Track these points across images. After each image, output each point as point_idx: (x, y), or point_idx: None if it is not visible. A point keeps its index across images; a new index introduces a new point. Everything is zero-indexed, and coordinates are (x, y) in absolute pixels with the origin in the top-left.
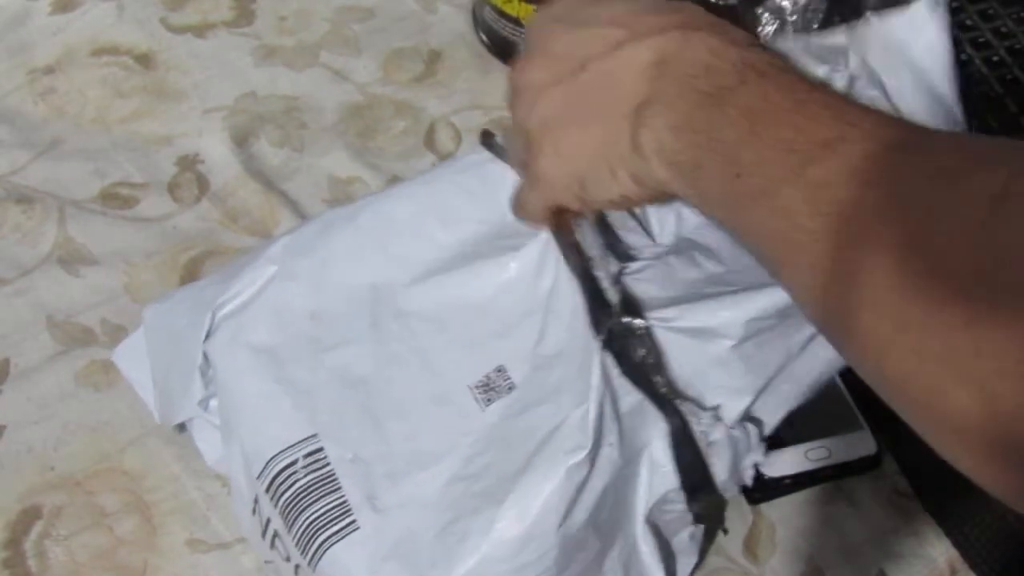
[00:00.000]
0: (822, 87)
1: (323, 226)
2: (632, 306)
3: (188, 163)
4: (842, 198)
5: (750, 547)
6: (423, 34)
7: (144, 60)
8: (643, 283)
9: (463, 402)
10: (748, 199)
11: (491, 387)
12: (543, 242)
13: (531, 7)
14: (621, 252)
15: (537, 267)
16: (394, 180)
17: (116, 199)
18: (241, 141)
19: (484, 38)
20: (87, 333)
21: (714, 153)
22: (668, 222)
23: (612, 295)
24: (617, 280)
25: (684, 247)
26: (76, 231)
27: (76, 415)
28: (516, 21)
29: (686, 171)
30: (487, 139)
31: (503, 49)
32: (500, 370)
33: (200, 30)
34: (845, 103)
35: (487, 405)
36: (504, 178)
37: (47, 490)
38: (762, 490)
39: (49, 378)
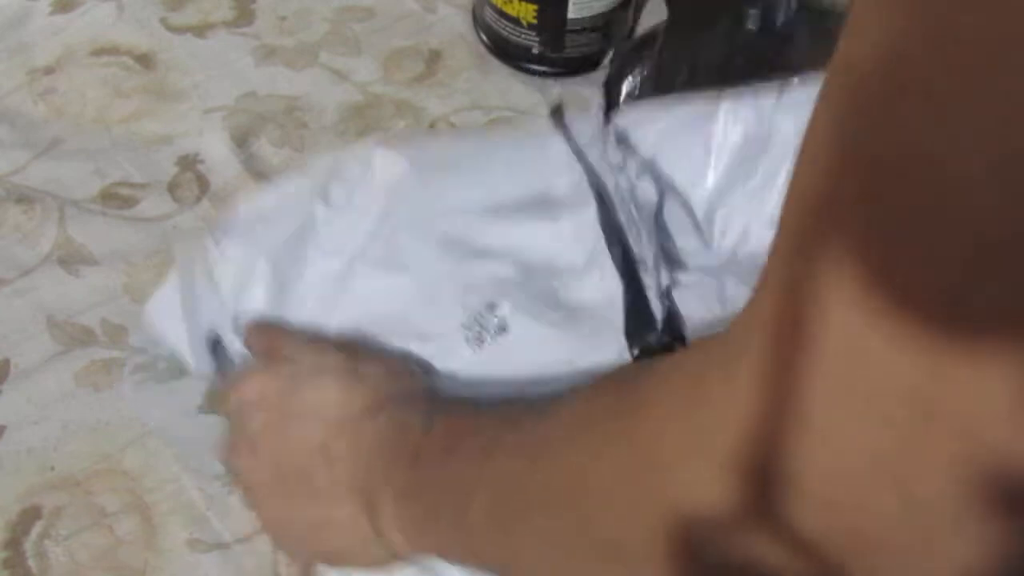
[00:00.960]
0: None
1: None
2: (675, 325)
3: (188, 163)
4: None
5: None
6: (423, 34)
7: (144, 60)
8: (690, 299)
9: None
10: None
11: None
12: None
13: (531, 7)
14: (672, 256)
15: (589, 256)
16: None
17: (116, 199)
18: (241, 141)
19: (484, 38)
20: (87, 333)
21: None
22: (731, 232)
23: (657, 309)
24: (667, 295)
25: (742, 264)
26: (76, 231)
27: (76, 415)
28: (516, 21)
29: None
30: (556, 114)
31: (503, 49)
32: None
33: (200, 30)
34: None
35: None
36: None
37: (47, 490)
38: None
39: (49, 378)
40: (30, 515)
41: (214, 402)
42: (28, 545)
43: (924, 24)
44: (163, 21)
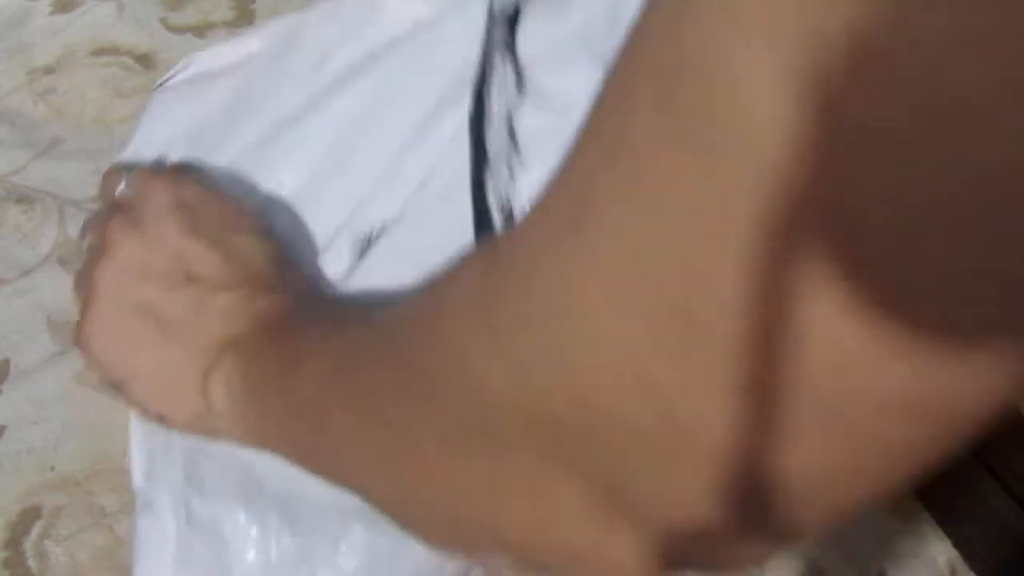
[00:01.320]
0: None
1: None
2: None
3: None
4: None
5: None
6: None
7: (144, 60)
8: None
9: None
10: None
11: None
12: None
13: None
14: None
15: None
16: None
17: None
18: None
19: None
20: None
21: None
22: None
23: (497, 220)
24: (508, 212)
25: None
26: (76, 231)
27: (76, 415)
28: None
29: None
30: None
31: None
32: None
33: (200, 30)
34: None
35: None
36: None
37: (47, 490)
38: None
39: (49, 378)
40: (30, 515)
41: None
42: (28, 545)
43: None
44: (163, 21)
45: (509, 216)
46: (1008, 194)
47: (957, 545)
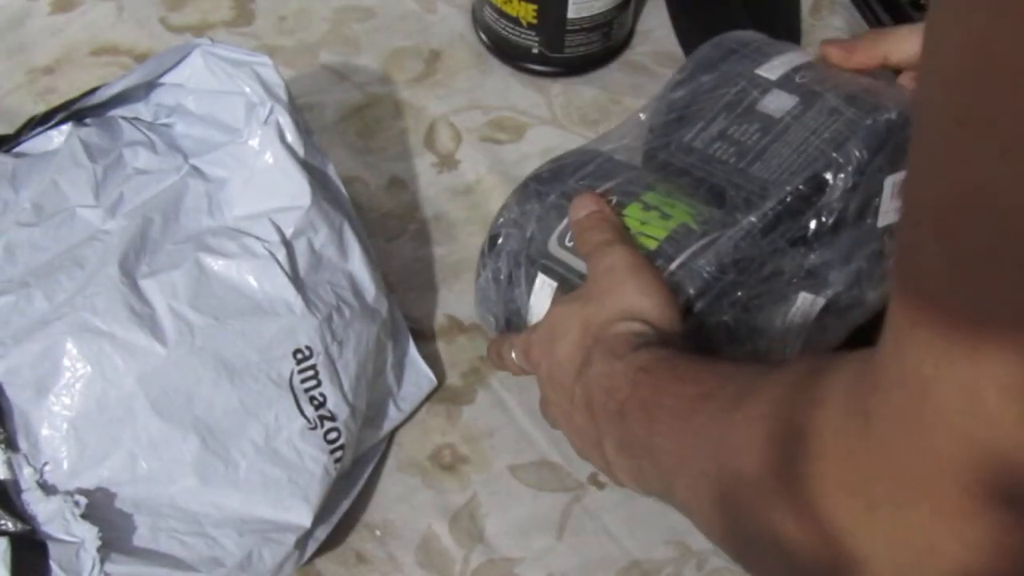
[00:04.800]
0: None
1: None
2: None
3: None
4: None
5: None
6: (423, 34)
7: (143, 60)
8: None
9: None
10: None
11: None
12: None
13: (531, 7)
14: None
15: None
16: (394, 180)
17: None
18: None
19: (484, 38)
20: None
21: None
22: None
23: None
24: None
25: None
26: None
27: None
28: (516, 21)
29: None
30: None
31: (503, 49)
32: None
33: (200, 30)
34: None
35: None
36: None
37: None
38: None
39: None
40: None
41: None
42: None
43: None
44: (162, 21)
45: None
46: None
47: None
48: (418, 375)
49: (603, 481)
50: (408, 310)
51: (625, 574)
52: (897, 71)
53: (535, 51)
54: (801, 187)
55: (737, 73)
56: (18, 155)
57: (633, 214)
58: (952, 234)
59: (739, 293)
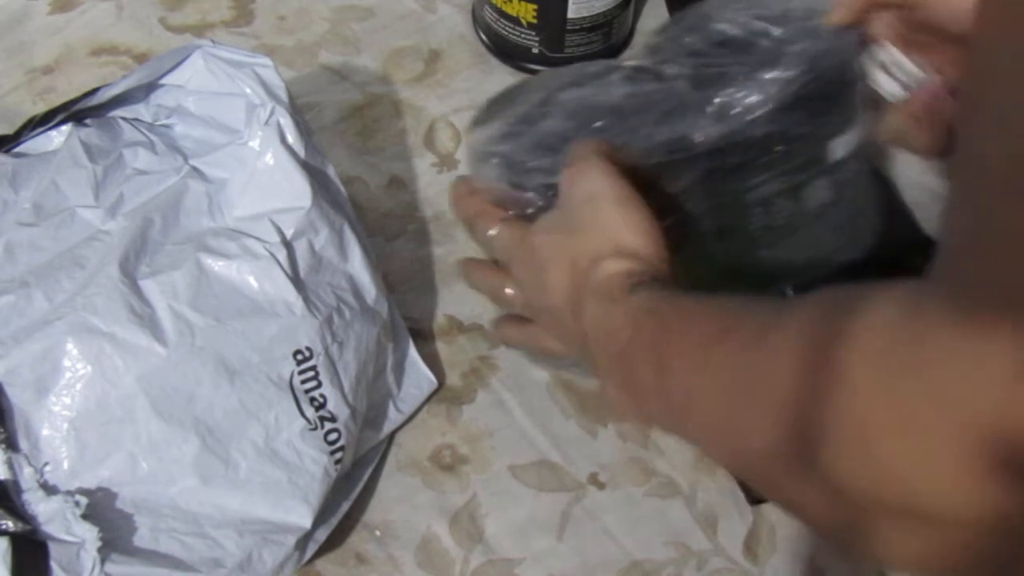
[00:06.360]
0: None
1: None
2: None
3: None
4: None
5: (750, 547)
6: (423, 34)
7: (143, 60)
8: None
9: None
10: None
11: None
12: None
13: (531, 7)
14: None
15: None
16: (393, 180)
17: None
18: None
19: (484, 38)
20: None
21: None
22: None
23: None
24: None
25: None
26: None
27: None
28: (516, 21)
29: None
30: None
31: (503, 49)
32: None
33: (199, 30)
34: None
35: None
36: None
37: None
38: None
39: None
40: None
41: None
42: None
43: None
44: (162, 21)
45: None
46: None
47: None
48: (418, 377)
49: (603, 481)
50: (408, 310)
51: (625, 574)
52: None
53: (535, 51)
54: None
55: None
56: (18, 155)
57: None
58: None
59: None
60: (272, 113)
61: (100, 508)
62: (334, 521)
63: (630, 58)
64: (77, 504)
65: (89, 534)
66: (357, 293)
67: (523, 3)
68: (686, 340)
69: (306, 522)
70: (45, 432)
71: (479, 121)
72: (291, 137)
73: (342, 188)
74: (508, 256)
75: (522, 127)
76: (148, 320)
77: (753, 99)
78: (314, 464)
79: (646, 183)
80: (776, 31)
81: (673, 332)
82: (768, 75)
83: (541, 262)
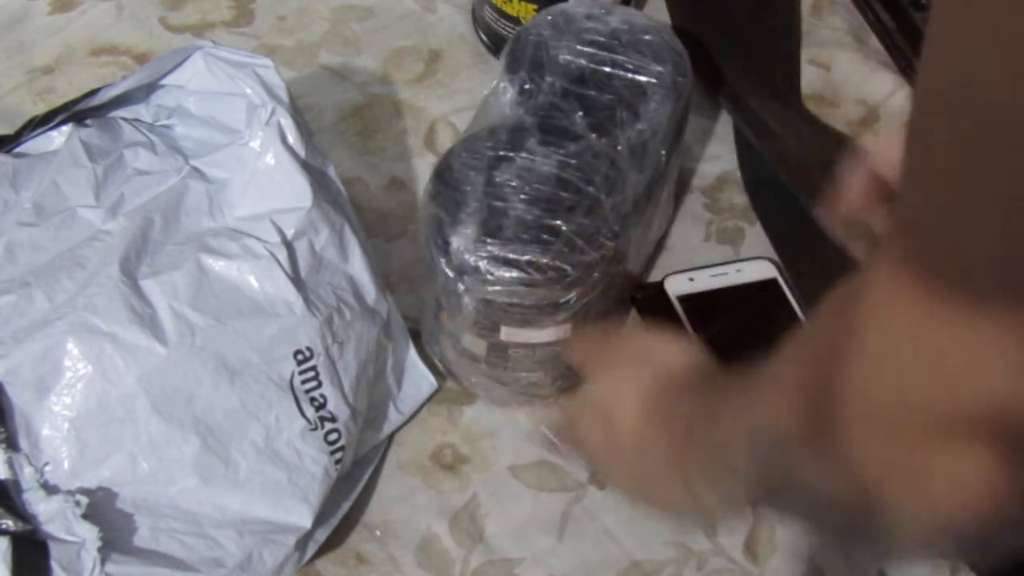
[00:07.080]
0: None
1: None
2: None
3: None
4: None
5: (750, 547)
6: (423, 34)
7: (143, 60)
8: None
9: None
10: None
11: None
12: None
13: (531, 7)
14: None
15: None
16: (394, 180)
17: None
18: None
19: (484, 38)
20: None
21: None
22: None
23: None
24: None
25: None
26: None
27: None
28: (516, 21)
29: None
30: None
31: (503, 49)
32: None
33: (199, 30)
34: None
35: None
36: None
37: None
38: None
39: None
40: None
41: None
42: None
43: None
44: (162, 21)
45: None
46: None
47: None
48: (418, 378)
49: (604, 481)
50: (408, 310)
51: (625, 574)
52: None
53: None
54: None
55: None
56: (18, 155)
57: None
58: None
59: None
60: (273, 113)
61: (100, 508)
62: (334, 521)
63: None
64: (77, 504)
65: (89, 534)
66: (357, 293)
67: (523, 3)
68: (720, 391)
69: (306, 522)
70: (46, 432)
71: (451, 225)
72: (292, 137)
73: (342, 188)
74: None
75: (494, 222)
76: (149, 320)
77: None
78: (314, 464)
79: None
80: None
81: (709, 391)
82: None
83: (605, 405)
